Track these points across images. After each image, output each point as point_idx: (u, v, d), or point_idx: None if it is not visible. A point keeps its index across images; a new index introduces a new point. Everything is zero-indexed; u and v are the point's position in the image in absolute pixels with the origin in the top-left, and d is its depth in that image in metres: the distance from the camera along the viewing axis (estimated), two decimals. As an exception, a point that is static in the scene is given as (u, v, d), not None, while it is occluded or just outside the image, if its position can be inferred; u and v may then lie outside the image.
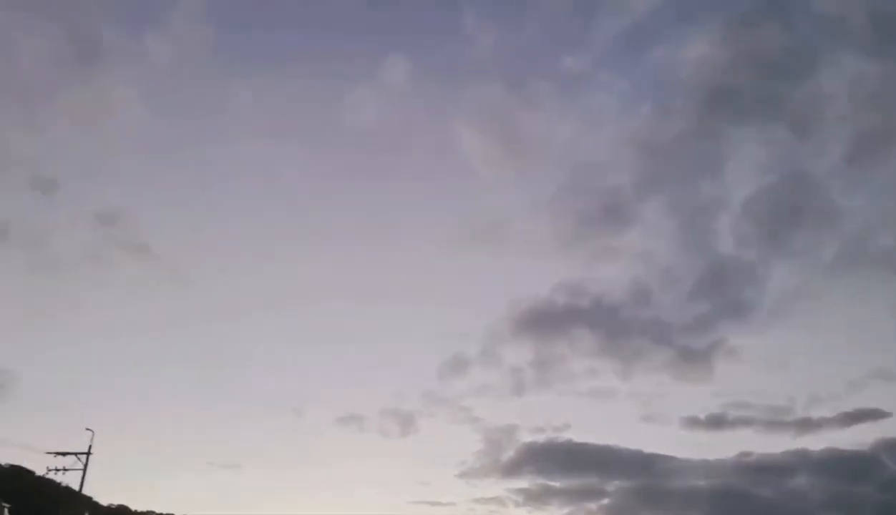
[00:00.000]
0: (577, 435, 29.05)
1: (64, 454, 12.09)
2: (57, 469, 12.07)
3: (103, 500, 18.05)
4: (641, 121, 34.54)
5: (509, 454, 27.42)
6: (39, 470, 13.09)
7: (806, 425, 25.13)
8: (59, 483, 14.45)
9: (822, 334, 32.10)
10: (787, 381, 32.22)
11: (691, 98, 30.80)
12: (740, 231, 29.13)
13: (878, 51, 29.57)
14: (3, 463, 13.83)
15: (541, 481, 26.40)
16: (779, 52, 28.55)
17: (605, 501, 25.41)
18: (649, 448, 27.45)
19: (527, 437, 28.49)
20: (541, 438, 27.64)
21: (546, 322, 29.06)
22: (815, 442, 31.06)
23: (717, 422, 26.15)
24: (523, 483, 27.36)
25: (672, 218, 32.12)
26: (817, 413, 27.59)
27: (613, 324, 28.44)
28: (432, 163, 36.33)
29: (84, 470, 12.10)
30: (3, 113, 25.10)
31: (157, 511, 20.74)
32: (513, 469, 26.68)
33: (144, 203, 30.51)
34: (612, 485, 25.60)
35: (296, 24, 33.75)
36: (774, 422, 25.86)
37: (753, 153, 31.26)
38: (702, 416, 26.49)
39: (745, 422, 26.25)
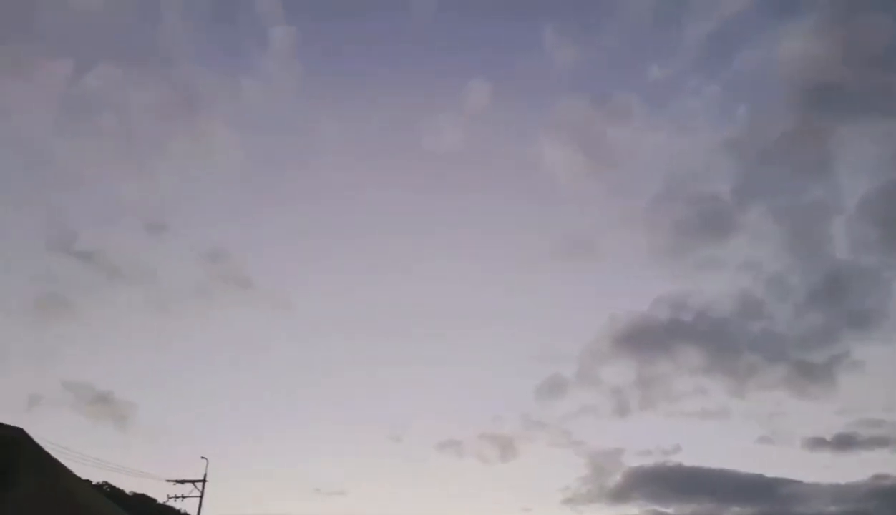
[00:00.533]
0: (688, 458, 27.46)
1: (182, 482, 12.62)
2: (176, 497, 12.61)
3: (218, 527, 18.76)
4: (737, 125, 32.88)
5: (615, 478, 26.22)
6: (160, 498, 13.74)
7: (948, 443, 22.53)
8: (178, 511, 15.11)
9: None
10: None
11: (790, 97, 28.91)
12: (857, 234, 26.67)
13: None
14: (128, 492, 14.64)
15: (652, 507, 25.07)
16: (885, 41, 26.50)
17: (725, 528, 23.76)
18: (770, 471, 25.53)
19: (633, 461, 27.17)
20: (649, 462, 26.29)
21: (647, 339, 27.74)
22: (959, 462, 27.78)
23: (846, 443, 24.01)
24: (633, 509, 26.08)
25: (779, 224, 29.86)
26: None
27: (721, 339, 26.78)
28: (518, 181, 36.08)
29: (201, 497, 12.58)
30: (118, 165, 27.18)
31: (270, 538, 21.21)
32: (620, 494, 25.50)
33: (245, 237, 32.08)
34: (731, 512, 23.94)
35: (379, 53, 34.78)
36: (912, 441, 23.40)
37: (865, 150, 28.93)
38: (828, 436, 24.41)
39: (879, 442, 23.95)
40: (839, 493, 22.30)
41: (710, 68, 34.17)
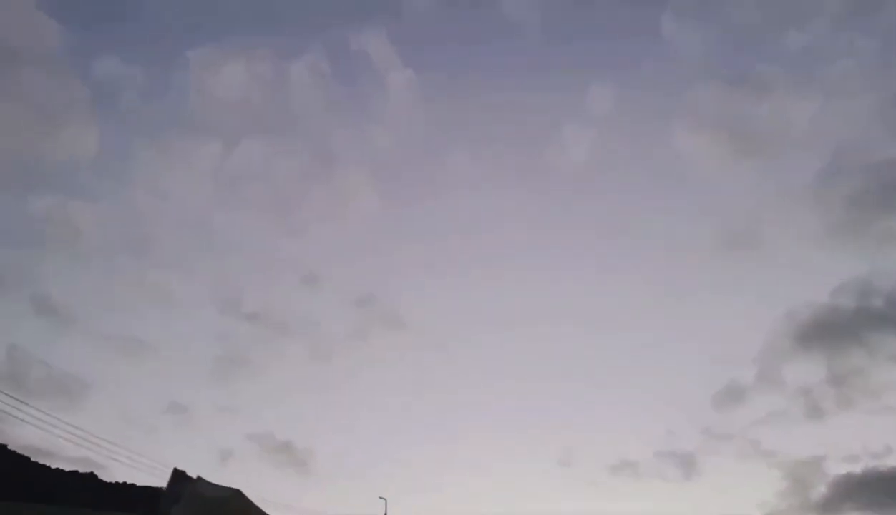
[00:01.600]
0: None
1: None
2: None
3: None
4: None
5: (820, 490, 24.46)
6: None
7: None
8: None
9: None
10: None
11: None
12: None
13: None
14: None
15: None
16: None
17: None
18: None
19: (839, 468, 25.02)
20: (857, 468, 24.11)
21: (833, 331, 25.40)
22: None
23: None
24: None
25: None
26: None
27: None
28: (657, 180, 35.21)
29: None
30: (270, 227, 31.21)
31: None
32: (830, 507, 23.76)
33: (391, 280, 34.83)
34: None
35: (493, 77, 36.13)
36: None
37: None
38: None
39: None
40: None
41: (856, 24, 31.68)
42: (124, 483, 10.67)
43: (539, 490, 28.36)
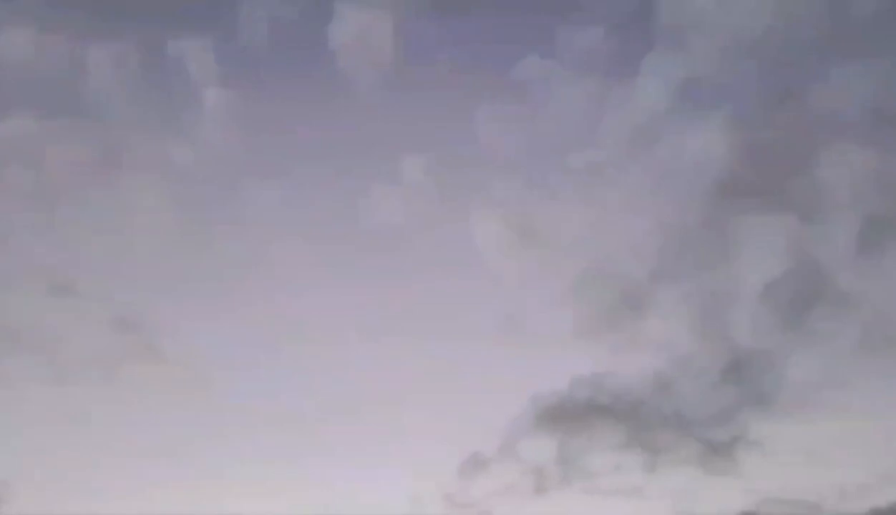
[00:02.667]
0: None
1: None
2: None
3: None
4: (656, 212, 34.37)
5: None
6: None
7: (837, 521, 22.27)
8: None
9: (849, 423, 29.55)
10: (816, 474, 30.12)
11: (701, 190, 30.16)
12: (758, 320, 27.95)
13: (876, 140, 30.00)
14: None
15: None
16: (782, 144, 28.86)
17: None
18: None
19: None
20: None
21: (566, 417, 27.09)
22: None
23: None
24: None
25: (691, 308, 30.86)
26: (846, 508, 24.66)
27: (635, 418, 26.54)
28: (451, 258, 35.76)
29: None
30: (27, 220, 25.47)
31: None
32: None
33: (162, 305, 30.20)
34: None
35: (317, 124, 34.47)
36: (807, 519, 22.96)
37: (765, 242, 31.07)
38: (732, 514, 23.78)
39: None
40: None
41: (633, 157, 35.95)
42: None
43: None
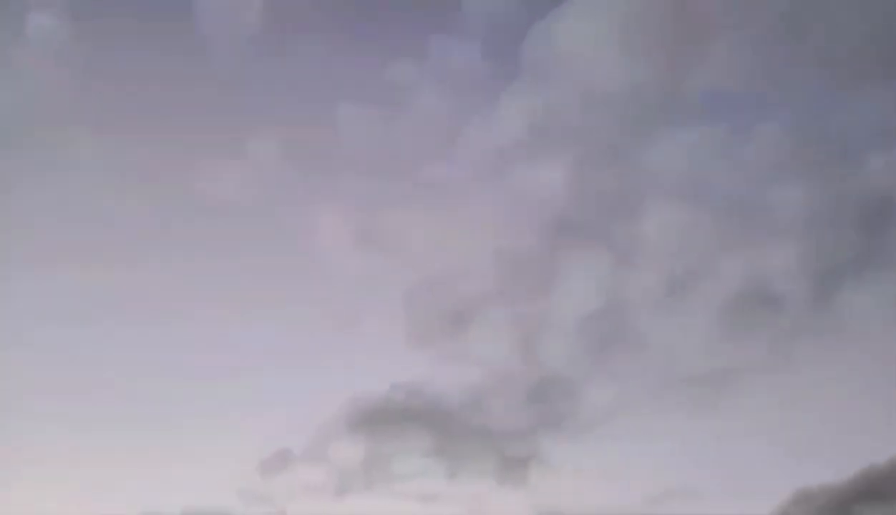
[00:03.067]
0: None
1: None
2: None
3: None
4: (495, 236, 35.07)
5: None
6: None
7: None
8: None
9: (634, 447, 32.60)
10: (598, 493, 33.09)
11: (539, 222, 30.86)
12: (568, 348, 30.02)
13: (693, 197, 32.30)
14: None
15: None
16: (614, 193, 29.98)
17: None
18: None
19: None
20: None
21: (380, 421, 27.75)
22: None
23: None
24: None
25: (512, 330, 32.66)
26: None
27: (445, 427, 27.77)
28: (291, 247, 35.81)
29: None
30: None
31: None
32: None
33: None
34: None
35: (168, 83, 33.33)
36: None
37: (585, 279, 33.02)
38: None
39: None
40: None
41: (485, 179, 36.25)
42: None
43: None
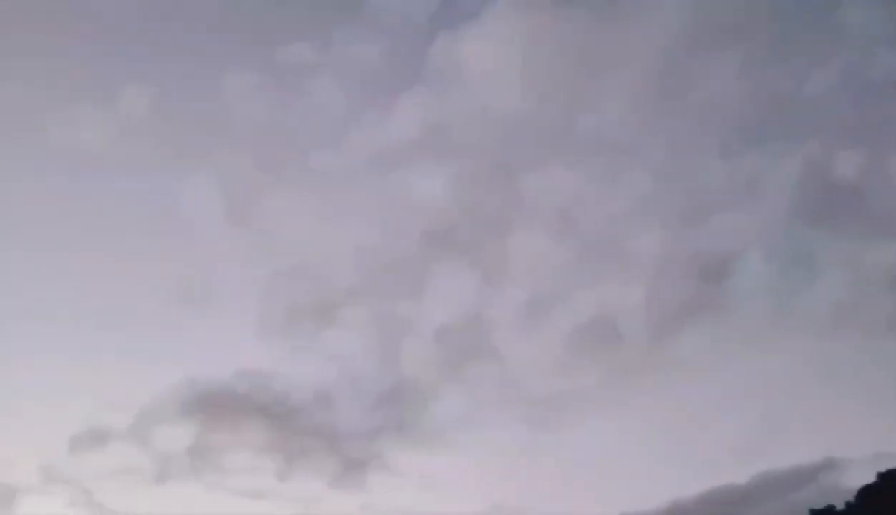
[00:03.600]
0: None
1: None
2: None
3: None
4: (375, 231, 37.13)
5: None
6: None
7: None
8: None
9: (474, 461, 35.86)
10: (431, 501, 36.29)
11: (419, 229, 33.05)
12: (424, 356, 32.62)
13: (560, 228, 35.69)
14: None
15: None
16: (492, 213, 32.38)
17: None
18: None
19: None
20: None
21: (218, 408, 27.93)
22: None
23: None
24: None
25: (372, 331, 34.93)
26: None
27: (290, 423, 28.69)
28: (153, 210, 36.02)
29: None
30: None
31: None
32: None
33: None
34: None
35: (44, 28, 33.06)
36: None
37: (451, 290, 36.07)
38: None
39: None
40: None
41: (370, 179, 37.60)
42: None
43: None
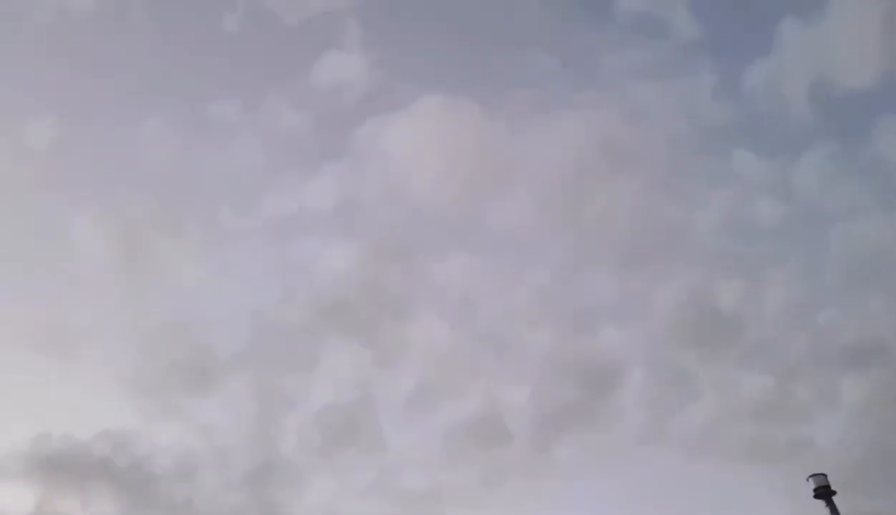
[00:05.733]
0: None
1: None
2: None
3: None
4: (273, 297, 36.26)
5: None
6: None
7: None
8: None
9: None
10: None
11: (316, 298, 32.90)
12: (303, 434, 31.11)
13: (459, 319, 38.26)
14: None
15: None
16: (384, 292, 33.72)
17: None
18: None
19: None
20: None
21: (68, 469, 24.90)
22: None
23: None
24: None
25: (252, 401, 32.78)
26: None
27: (142, 494, 25.75)
28: (41, 257, 33.87)
29: None
30: None
31: None
32: None
33: None
34: None
35: None
36: None
37: (341, 368, 35.66)
38: None
39: None
40: None
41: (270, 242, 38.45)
42: None
43: None
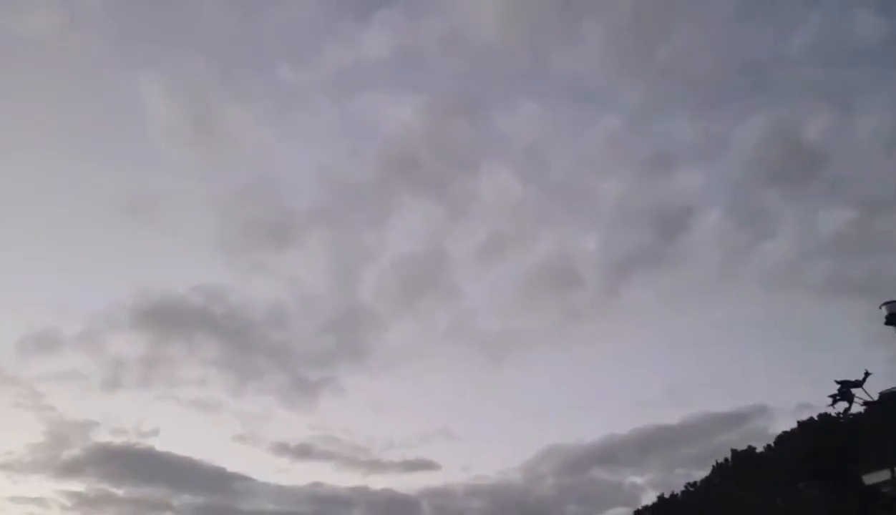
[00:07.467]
0: (163, 444, 28.21)
1: None
2: None
3: None
4: (340, 154, 37.39)
5: (74, 452, 23.99)
6: None
7: (375, 466, 27.06)
8: None
9: (423, 389, 35.93)
10: (378, 425, 37.44)
11: (383, 153, 33.10)
12: (382, 284, 32.59)
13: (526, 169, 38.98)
14: None
15: (102, 486, 23.47)
16: (459, 144, 33.21)
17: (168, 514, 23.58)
18: (233, 467, 27.13)
19: (104, 437, 24.77)
20: (119, 440, 24.47)
21: (170, 319, 26.80)
22: (378, 482, 33.97)
23: (303, 452, 26.64)
24: (80, 486, 24.14)
25: (331, 255, 34.47)
26: (387, 457, 29.50)
27: (241, 339, 28.08)
28: (112, 124, 35.79)
29: None
30: None
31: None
32: (72, 469, 23.78)
33: None
34: (180, 499, 23.50)
35: None
36: (351, 459, 27.55)
37: (413, 221, 37.57)
38: (292, 444, 26.58)
39: (327, 456, 27.42)
40: (281, 494, 24.24)
41: (338, 96, 40.39)
42: None
43: None
